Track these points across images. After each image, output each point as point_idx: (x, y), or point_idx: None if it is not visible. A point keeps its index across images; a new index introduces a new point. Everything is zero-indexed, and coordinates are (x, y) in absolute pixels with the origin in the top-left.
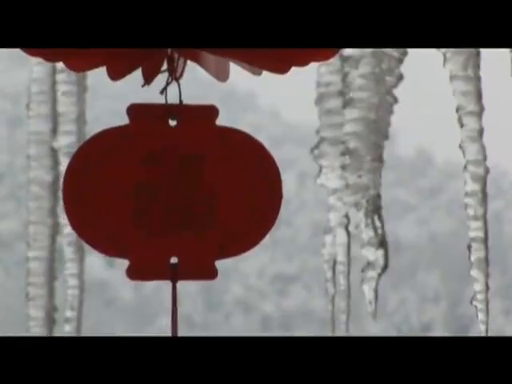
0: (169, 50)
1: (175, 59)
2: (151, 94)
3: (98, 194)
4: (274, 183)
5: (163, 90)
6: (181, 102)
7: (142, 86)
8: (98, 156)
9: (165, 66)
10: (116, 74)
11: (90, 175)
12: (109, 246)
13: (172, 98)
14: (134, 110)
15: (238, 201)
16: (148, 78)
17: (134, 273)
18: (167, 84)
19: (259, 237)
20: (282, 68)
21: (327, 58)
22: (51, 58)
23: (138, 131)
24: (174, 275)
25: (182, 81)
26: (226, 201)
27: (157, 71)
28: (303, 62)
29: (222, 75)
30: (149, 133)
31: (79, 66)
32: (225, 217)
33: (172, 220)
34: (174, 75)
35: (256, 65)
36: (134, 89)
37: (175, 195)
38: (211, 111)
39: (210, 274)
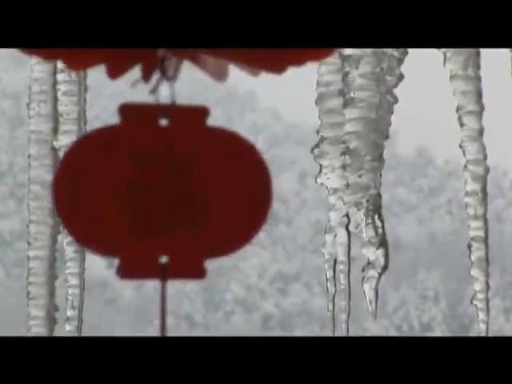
0: (160, 51)
1: (166, 59)
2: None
3: (88, 192)
4: (264, 182)
5: (154, 90)
6: (173, 102)
7: (133, 84)
8: (88, 155)
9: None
10: (114, 73)
11: (80, 174)
12: (99, 245)
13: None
14: (125, 110)
15: (229, 200)
16: (146, 77)
17: (124, 272)
18: (157, 84)
19: (249, 236)
20: (278, 68)
21: (323, 57)
22: (48, 57)
23: (128, 131)
24: (164, 274)
25: (181, 81)
26: (216, 200)
27: (154, 70)
28: (300, 62)
29: (220, 75)
30: (140, 132)
31: (77, 65)
32: (215, 216)
33: (162, 219)
34: (166, 75)
35: (253, 65)
36: (134, 88)
37: (166, 195)
38: (202, 112)
39: (199, 273)
